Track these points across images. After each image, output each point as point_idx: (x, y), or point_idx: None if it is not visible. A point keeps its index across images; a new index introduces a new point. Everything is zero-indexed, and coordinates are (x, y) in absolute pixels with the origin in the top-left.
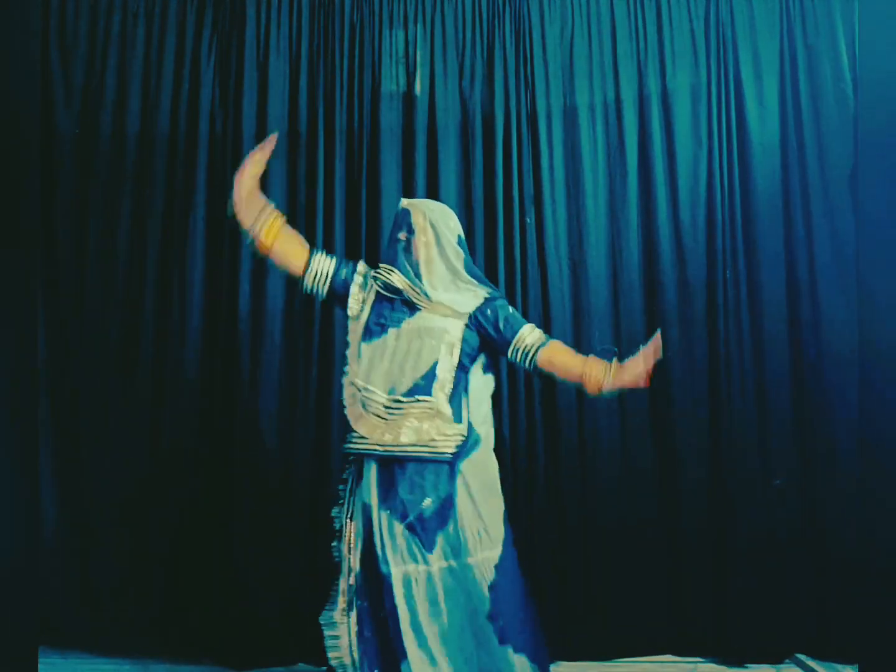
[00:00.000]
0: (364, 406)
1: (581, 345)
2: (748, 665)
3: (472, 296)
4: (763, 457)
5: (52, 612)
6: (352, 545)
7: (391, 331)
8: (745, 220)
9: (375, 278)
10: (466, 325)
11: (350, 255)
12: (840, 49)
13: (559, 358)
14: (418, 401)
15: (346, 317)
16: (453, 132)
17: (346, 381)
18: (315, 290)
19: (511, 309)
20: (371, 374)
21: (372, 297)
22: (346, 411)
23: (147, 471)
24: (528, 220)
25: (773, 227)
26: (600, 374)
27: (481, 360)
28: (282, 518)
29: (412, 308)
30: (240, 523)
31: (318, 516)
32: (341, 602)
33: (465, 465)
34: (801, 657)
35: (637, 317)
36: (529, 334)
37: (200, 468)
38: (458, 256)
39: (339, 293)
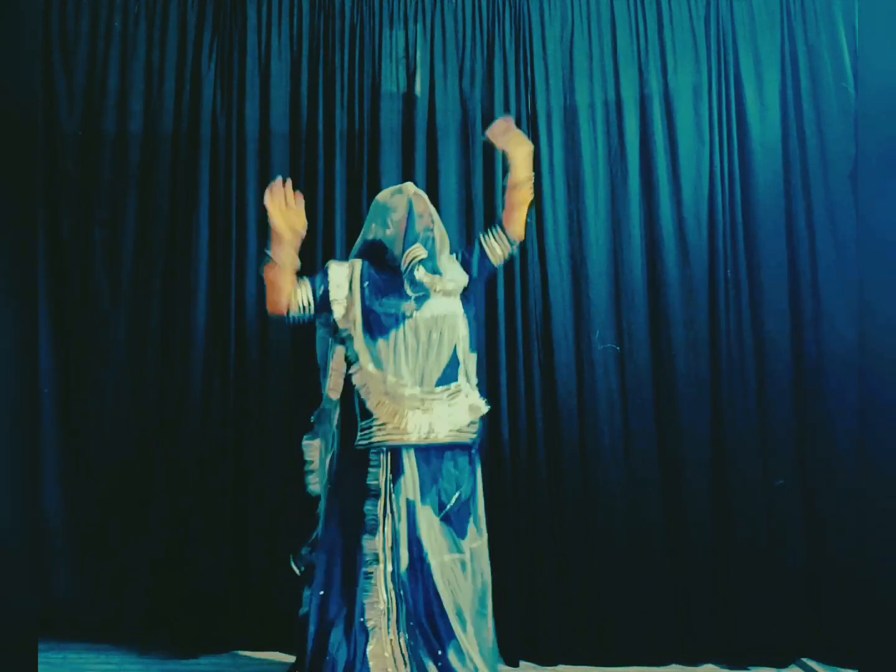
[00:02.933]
0: (398, 400)
1: (582, 344)
2: (751, 668)
3: (459, 268)
4: (765, 457)
5: (52, 607)
6: (388, 542)
7: (407, 322)
8: (746, 219)
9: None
10: (462, 301)
11: (350, 254)
12: (841, 47)
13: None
14: (449, 388)
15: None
16: (453, 132)
17: (360, 375)
18: (302, 318)
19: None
20: (400, 368)
21: (358, 290)
22: (371, 405)
23: (150, 470)
24: (528, 220)
25: (775, 225)
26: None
27: (467, 348)
28: (288, 513)
29: (411, 295)
30: (244, 521)
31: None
32: (379, 596)
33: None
34: (807, 661)
35: (638, 316)
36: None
37: (204, 468)
38: (445, 237)
39: (321, 306)
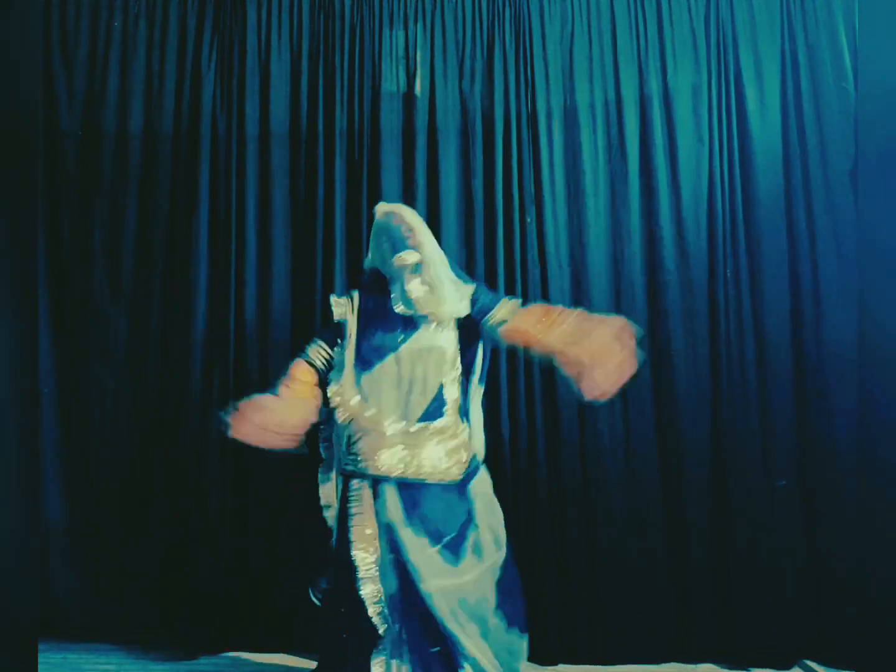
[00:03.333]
0: (376, 436)
1: None
2: (752, 669)
3: (462, 296)
4: (765, 457)
5: (52, 607)
6: (372, 574)
7: (390, 357)
8: (746, 219)
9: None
10: (458, 335)
11: (350, 254)
12: (841, 47)
13: (519, 327)
14: (429, 426)
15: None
16: (453, 132)
17: (343, 408)
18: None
19: (489, 294)
20: (382, 402)
21: (355, 322)
22: (355, 438)
23: (150, 470)
24: (529, 220)
25: (775, 225)
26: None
27: (476, 381)
28: (288, 513)
29: (406, 326)
30: (244, 521)
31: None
32: (373, 616)
33: (474, 485)
34: (808, 663)
35: (638, 316)
36: (501, 308)
37: (204, 468)
38: (444, 258)
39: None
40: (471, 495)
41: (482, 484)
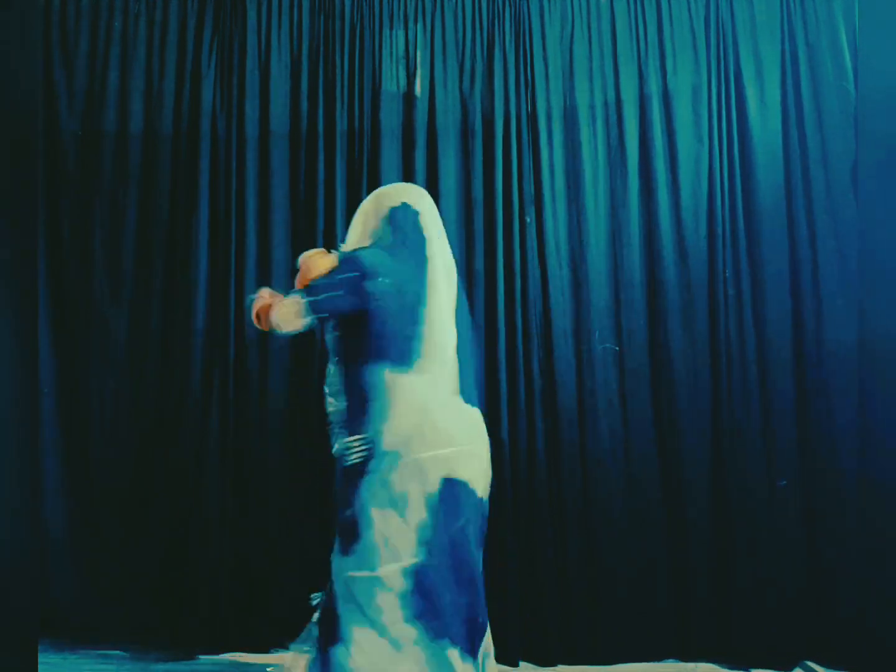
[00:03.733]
0: None
1: (581, 343)
2: (752, 669)
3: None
4: (766, 456)
5: (52, 607)
6: None
7: None
8: (746, 219)
9: None
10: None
11: None
12: (841, 46)
13: None
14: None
15: None
16: (453, 132)
17: None
18: None
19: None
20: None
21: None
22: None
23: (150, 470)
24: (528, 220)
25: (775, 224)
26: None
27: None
28: (288, 513)
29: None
30: (244, 521)
31: (330, 518)
32: None
33: (371, 479)
34: (810, 663)
35: (638, 315)
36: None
37: (205, 467)
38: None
39: None
40: (365, 487)
41: (387, 483)
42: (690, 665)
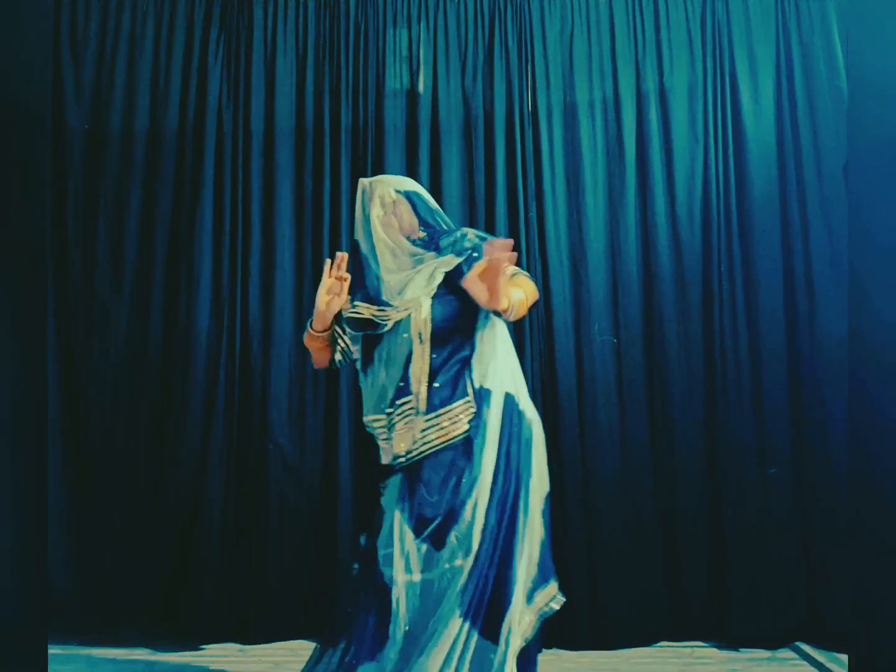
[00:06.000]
0: (376, 438)
1: (581, 336)
2: (742, 650)
3: (426, 267)
4: (758, 445)
5: (54, 598)
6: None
7: (376, 351)
8: (740, 215)
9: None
10: (433, 298)
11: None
12: (835, 47)
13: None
14: (400, 405)
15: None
16: (456, 129)
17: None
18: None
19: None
20: (369, 405)
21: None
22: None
23: (154, 468)
24: (530, 215)
25: (769, 221)
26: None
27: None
28: (289, 510)
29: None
30: (248, 512)
31: (327, 509)
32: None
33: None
34: (800, 644)
35: (635, 309)
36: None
37: (207, 465)
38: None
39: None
40: (471, 459)
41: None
42: (687, 650)
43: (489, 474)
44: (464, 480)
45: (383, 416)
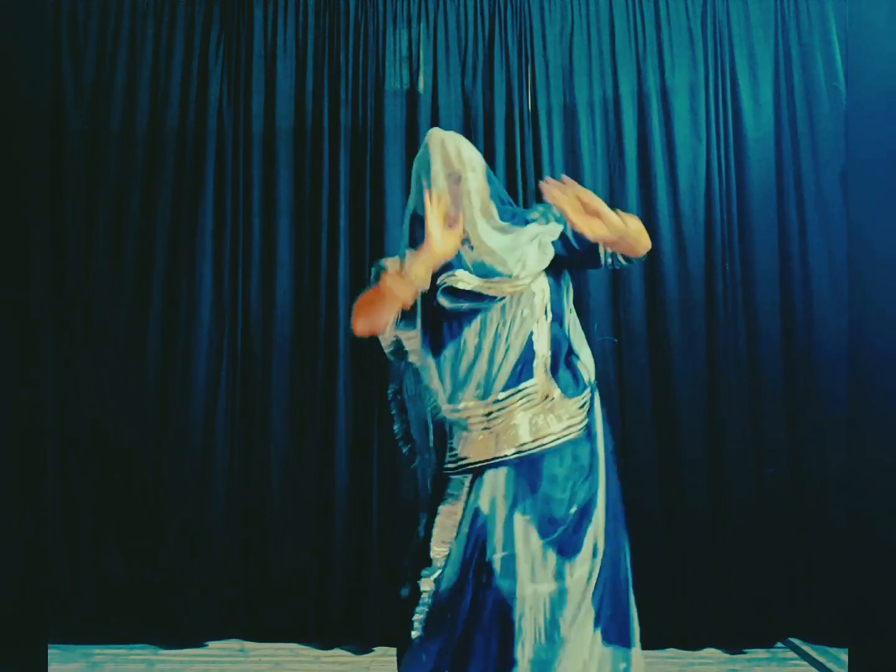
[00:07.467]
0: (465, 427)
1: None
2: (746, 651)
3: (531, 236)
4: (757, 445)
5: (55, 596)
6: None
7: (466, 331)
8: (741, 213)
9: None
10: (548, 274)
11: (354, 250)
12: (833, 47)
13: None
14: (520, 390)
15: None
16: (456, 128)
17: (435, 408)
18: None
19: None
20: (458, 391)
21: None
22: (453, 440)
23: (154, 468)
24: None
25: (768, 219)
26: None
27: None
28: (294, 503)
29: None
30: (252, 509)
31: (327, 505)
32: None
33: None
34: (795, 641)
35: (636, 308)
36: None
37: (208, 465)
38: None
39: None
40: (593, 453)
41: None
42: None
43: (604, 469)
44: (589, 476)
45: (487, 403)
